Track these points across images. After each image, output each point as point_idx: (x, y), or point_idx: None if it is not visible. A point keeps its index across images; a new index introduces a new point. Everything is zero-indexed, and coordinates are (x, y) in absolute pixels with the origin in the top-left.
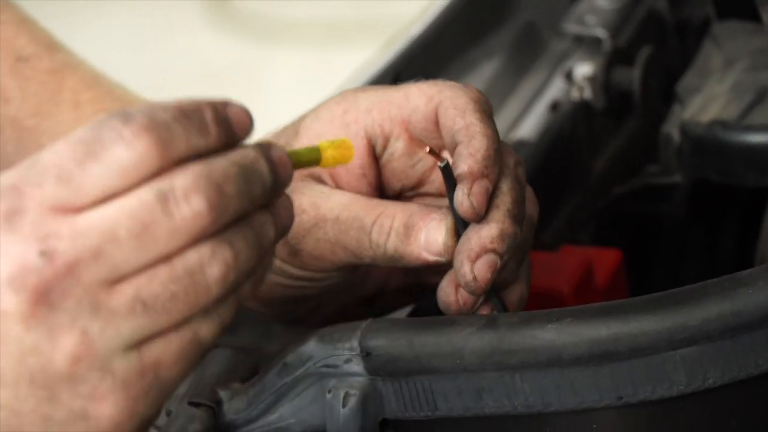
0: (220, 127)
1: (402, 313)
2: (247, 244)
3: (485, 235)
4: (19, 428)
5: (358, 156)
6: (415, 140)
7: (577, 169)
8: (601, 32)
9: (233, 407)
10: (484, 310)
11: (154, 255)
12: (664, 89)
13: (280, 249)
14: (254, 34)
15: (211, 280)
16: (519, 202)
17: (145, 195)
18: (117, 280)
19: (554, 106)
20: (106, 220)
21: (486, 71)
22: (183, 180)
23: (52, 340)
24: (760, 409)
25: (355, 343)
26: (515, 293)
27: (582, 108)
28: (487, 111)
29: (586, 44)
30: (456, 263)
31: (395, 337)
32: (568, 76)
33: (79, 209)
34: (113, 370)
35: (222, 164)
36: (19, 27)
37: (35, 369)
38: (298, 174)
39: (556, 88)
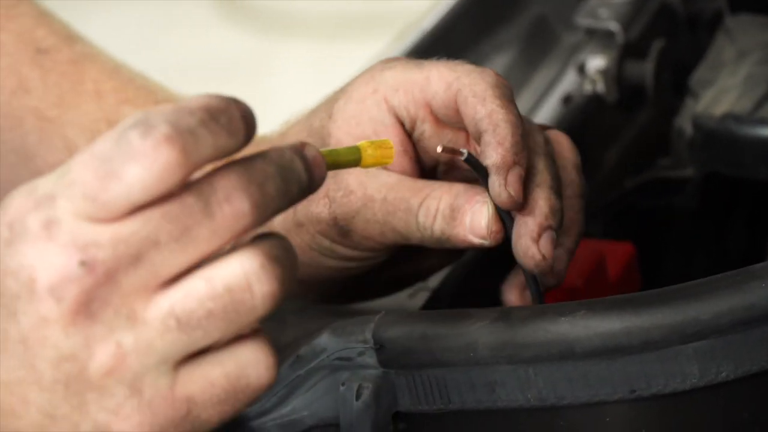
0: (245, 126)
1: (415, 306)
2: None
3: (540, 213)
4: None
5: (396, 134)
6: (440, 122)
7: (588, 161)
8: (613, 25)
9: None
10: None
11: (195, 257)
12: (676, 82)
13: (331, 230)
14: (264, 27)
15: (258, 299)
16: (556, 178)
17: (186, 198)
18: (157, 287)
19: (566, 99)
20: (147, 226)
21: (498, 64)
22: (224, 180)
23: (89, 349)
24: None
25: (368, 336)
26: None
27: (594, 101)
28: (507, 95)
29: (599, 37)
30: (521, 247)
31: (409, 330)
32: (581, 70)
33: (114, 220)
34: (142, 389)
35: (261, 163)
36: (38, 19)
37: (71, 375)
38: None
39: (568, 81)
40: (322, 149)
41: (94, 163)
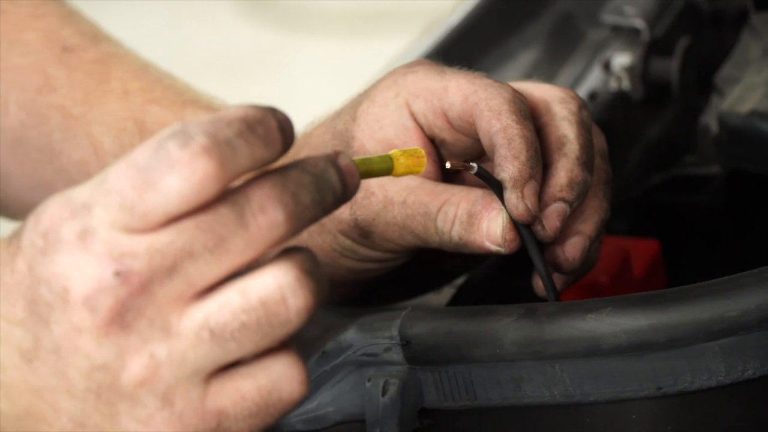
0: (282, 136)
1: (441, 302)
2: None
3: (554, 184)
4: None
5: (417, 137)
6: (457, 131)
7: (614, 158)
8: (639, 23)
9: None
10: None
11: (230, 268)
12: (701, 80)
13: (352, 231)
14: (283, 23)
15: (293, 312)
16: (587, 148)
17: (221, 209)
18: (191, 298)
19: (592, 96)
20: (182, 237)
21: (524, 61)
22: (259, 191)
23: (121, 359)
24: None
25: (394, 332)
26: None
27: (620, 98)
28: (522, 111)
29: (624, 34)
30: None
31: (435, 326)
32: (606, 67)
33: (149, 230)
34: (173, 401)
35: (295, 173)
36: (64, 18)
37: (103, 385)
38: (368, 154)
39: (593, 78)
40: (356, 158)
41: (131, 172)
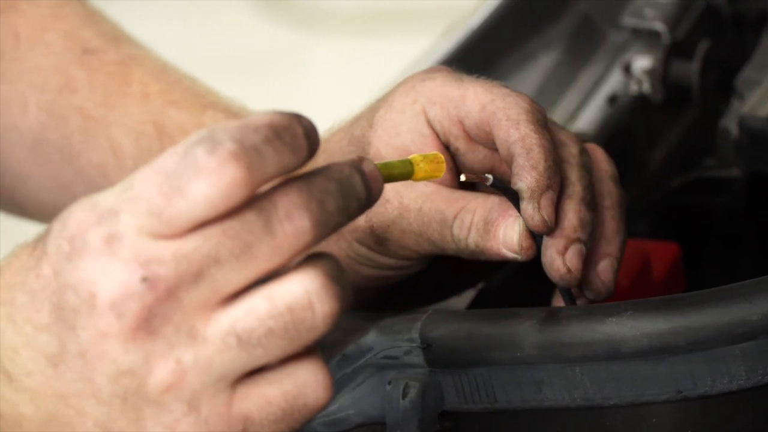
0: (308, 142)
1: (462, 305)
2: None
3: (568, 226)
4: None
5: (433, 144)
6: (473, 140)
7: (634, 161)
8: (659, 25)
9: None
10: None
11: (256, 274)
12: (721, 83)
13: (368, 238)
14: (300, 22)
15: (319, 318)
16: (589, 189)
17: (247, 215)
18: (217, 303)
19: (612, 99)
20: (208, 243)
21: (544, 63)
22: (285, 197)
23: (148, 365)
24: None
25: (415, 335)
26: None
27: (640, 101)
28: (540, 121)
29: (645, 37)
30: (546, 260)
31: (455, 329)
32: (627, 69)
33: (176, 236)
34: (199, 407)
35: (321, 180)
36: (85, 19)
37: (129, 390)
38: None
39: (614, 81)
40: (377, 162)
41: (159, 178)
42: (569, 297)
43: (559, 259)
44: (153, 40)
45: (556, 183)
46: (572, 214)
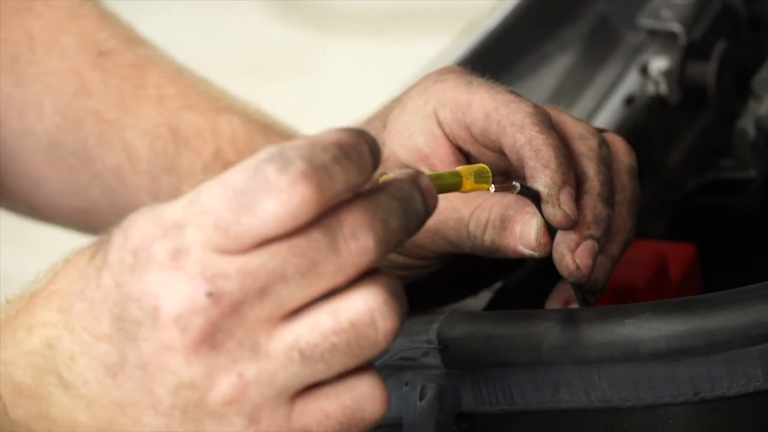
0: (373, 160)
1: (479, 306)
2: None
3: (581, 222)
4: None
5: (445, 145)
6: (480, 145)
7: (651, 162)
8: (676, 27)
9: None
10: None
11: (319, 291)
12: (738, 84)
13: None
14: (315, 22)
15: (381, 334)
16: (607, 184)
17: (313, 234)
18: (280, 319)
19: (629, 100)
20: (274, 260)
21: (561, 64)
22: (350, 216)
23: (210, 378)
24: None
25: (432, 336)
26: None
27: (657, 102)
28: (545, 122)
29: (661, 38)
30: (556, 256)
31: (473, 330)
32: (643, 70)
33: (242, 252)
34: (260, 420)
35: (384, 198)
36: (100, 21)
37: (190, 402)
38: (398, 162)
39: (630, 82)
40: (429, 173)
41: (228, 194)
42: (581, 293)
43: (569, 256)
44: (166, 41)
45: (571, 178)
46: (587, 210)
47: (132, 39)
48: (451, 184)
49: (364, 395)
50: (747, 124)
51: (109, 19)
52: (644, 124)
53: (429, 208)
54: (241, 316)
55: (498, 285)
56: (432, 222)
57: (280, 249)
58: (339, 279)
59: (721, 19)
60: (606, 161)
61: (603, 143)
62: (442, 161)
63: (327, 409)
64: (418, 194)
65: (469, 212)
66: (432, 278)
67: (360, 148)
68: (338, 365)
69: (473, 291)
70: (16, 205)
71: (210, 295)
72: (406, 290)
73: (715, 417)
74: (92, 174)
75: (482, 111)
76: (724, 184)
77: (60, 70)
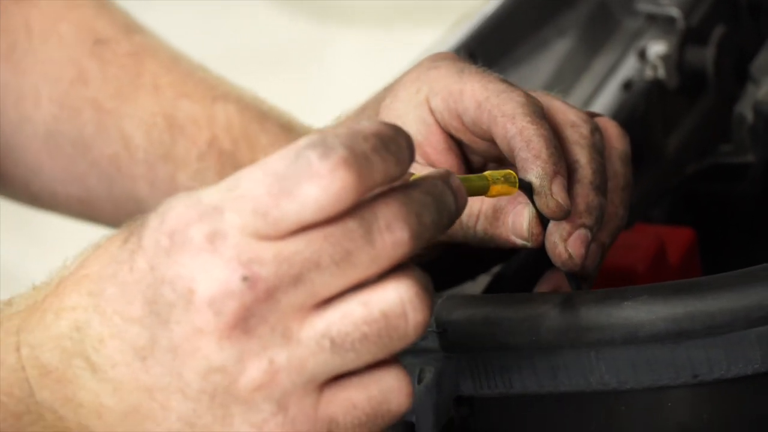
0: (410, 154)
1: (477, 290)
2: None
3: (573, 211)
4: None
5: (437, 133)
6: (472, 134)
7: (649, 147)
8: (674, 11)
9: None
10: None
11: (353, 281)
12: (737, 69)
13: None
14: (319, 14)
15: (411, 326)
16: (599, 172)
17: (349, 223)
18: (313, 307)
19: (627, 85)
20: (310, 247)
21: (559, 49)
22: (386, 209)
23: (241, 363)
24: None
25: (431, 320)
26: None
27: (655, 87)
28: (537, 112)
29: (660, 23)
30: (549, 245)
31: (471, 314)
32: (642, 55)
33: (278, 238)
34: (288, 407)
35: (419, 193)
36: (98, 10)
37: (219, 387)
38: None
39: (629, 67)
40: (458, 176)
41: (268, 179)
42: (574, 282)
43: (561, 245)
44: (172, 35)
45: (563, 168)
46: (579, 199)
47: (129, 27)
48: (478, 187)
49: (391, 387)
50: (745, 109)
51: (106, 7)
52: (642, 109)
53: (459, 207)
54: (275, 302)
55: (496, 269)
56: None
57: (316, 237)
58: (372, 270)
59: (719, 4)
60: (598, 148)
61: (595, 130)
62: (434, 149)
63: (354, 399)
64: (449, 192)
65: None
66: (426, 266)
67: (398, 140)
68: (368, 355)
69: (468, 277)
70: (14, 192)
71: (245, 279)
72: None
73: (713, 399)
74: (89, 163)
75: (474, 100)
76: (722, 169)
77: (57, 59)
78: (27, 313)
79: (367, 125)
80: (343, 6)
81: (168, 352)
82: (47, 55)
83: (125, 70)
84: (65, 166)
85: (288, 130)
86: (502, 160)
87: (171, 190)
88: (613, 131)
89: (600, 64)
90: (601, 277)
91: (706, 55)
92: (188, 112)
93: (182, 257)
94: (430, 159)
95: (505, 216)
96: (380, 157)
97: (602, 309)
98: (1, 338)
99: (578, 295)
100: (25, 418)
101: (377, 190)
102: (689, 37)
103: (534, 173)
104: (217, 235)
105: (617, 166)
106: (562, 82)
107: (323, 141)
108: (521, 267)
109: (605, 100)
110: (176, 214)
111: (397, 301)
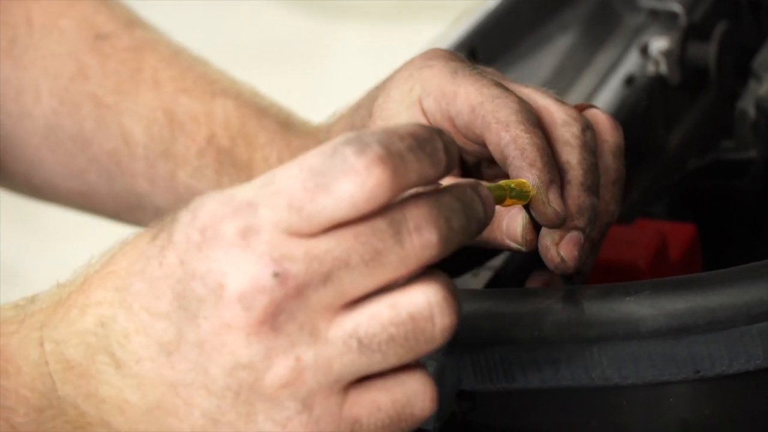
0: (447, 158)
1: (479, 285)
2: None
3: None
4: None
5: None
6: (463, 136)
7: (651, 143)
8: (676, 7)
9: None
10: None
11: (381, 281)
12: (739, 65)
13: None
14: (321, 8)
15: (438, 330)
16: (591, 171)
17: (379, 223)
18: (341, 307)
19: (629, 81)
20: (340, 246)
21: (561, 45)
22: (416, 210)
23: (268, 360)
24: None
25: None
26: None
27: (657, 83)
28: (530, 119)
29: (662, 19)
30: (541, 249)
31: (473, 308)
32: (644, 51)
33: (310, 235)
34: (313, 406)
35: (448, 198)
36: (99, 4)
37: (244, 384)
38: None
39: (631, 63)
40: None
41: (304, 175)
42: (567, 280)
43: (554, 249)
44: (174, 31)
45: (556, 176)
46: (570, 201)
47: (130, 21)
48: (495, 197)
49: (416, 391)
50: (747, 105)
51: (107, 2)
52: (644, 104)
53: (488, 216)
54: (305, 299)
55: (498, 263)
56: None
57: (346, 235)
58: (401, 271)
59: (721, 1)
60: (590, 147)
61: (587, 128)
62: None
63: (378, 401)
64: (479, 200)
65: None
66: None
67: (434, 143)
68: (394, 357)
69: (462, 272)
70: (16, 185)
71: (276, 275)
72: None
73: (715, 395)
74: (89, 158)
75: (467, 104)
76: (724, 165)
77: (58, 54)
78: (51, 309)
79: (403, 125)
80: (344, 2)
81: (194, 348)
82: (48, 50)
83: (126, 64)
84: (65, 161)
85: (286, 127)
86: (494, 160)
87: (171, 187)
88: (605, 124)
89: (602, 60)
90: (602, 273)
91: (708, 51)
92: (187, 108)
93: (214, 252)
94: None
95: (499, 220)
96: (415, 157)
97: (604, 304)
98: (25, 333)
99: (580, 290)
100: (48, 412)
101: (409, 192)
102: (691, 33)
103: (530, 181)
104: (250, 230)
105: (609, 161)
106: (564, 78)
107: (359, 138)
108: (523, 263)
109: (607, 96)
110: (208, 210)
111: (425, 304)
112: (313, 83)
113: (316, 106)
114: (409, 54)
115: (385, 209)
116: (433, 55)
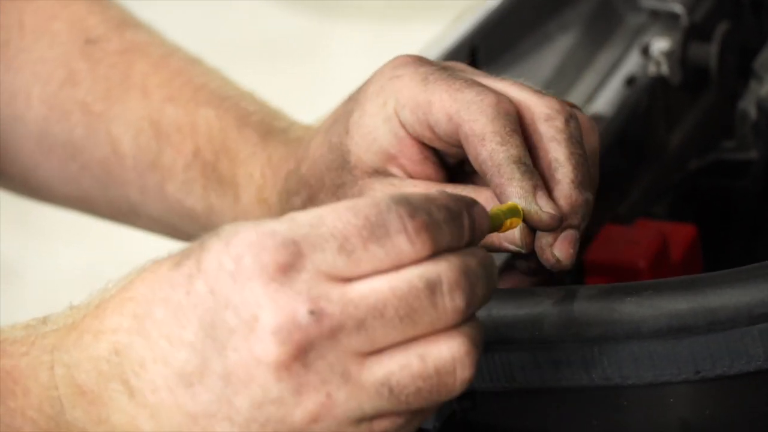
0: (472, 234)
1: None
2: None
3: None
4: None
5: (410, 145)
6: (445, 143)
7: (652, 143)
8: (678, 7)
9: None
10: None
11: (409, 337)
12: (740, 65)
13: None
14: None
15: (458, 383)
16: (580, 166)
17: (415, 281)
18: (369, 354)
19: (630, 81)
20: (377, 296)
21: (562, 44)
22: (449, 274)
23: (298, 396)
24: None
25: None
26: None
27: (658, 83)
28: (507, 125)
29: (663, 19)
30: (537, 249)
31: None
32: (645, 51)
33: (350, 280)
34: None
35: (475, 265)
36: (91, 6)
37: (272, 418)
38: (367, 168)
39: (632, 63)
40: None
41: (360, 222)
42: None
43: (549, 250)
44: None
45: (538, 179)
46: (562, 201)
47: (123, 21)
48: (494, 226)
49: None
50: (748, 106)
51: (100, 2)
52: (645, 104)
53: (496, 285)
54: (337, 341)
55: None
56: None
57: (382, 286)
58: (429, 330)
59: (723, 1)
60: (576, 139)
61: (570, 118)
62: (410, 161)
63: None
64: (495, 266)
65: None
66: None
67: (462, 219)
68: (416, 405)
69: None
70: (15, 187)
71: (312, 313)
72: None
73: (715, 396)
74: (81, 165)
75: (444, 113)
76: (725, 165)
77: (48, 58)
78: (63, 332)
79: (438, 196)
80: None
81: (220, 379)
82: (39, 54)
83: (115, 69)
84: (59, 166)
85: (266, 139)
86: None
87: (161, 198)
88: (585, 126)
89: (603, 60)
90: (603, 273)
91: (709, 52)
92: (173, 118)
93: (250, 283)
94: (408, 171)
95: None
96: (448, 227)
97: (605, 304)
98: (35, 355)
99: (581, 290)
100: None
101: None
102: (692, 34)
103: (515, 195)
104: (293, 267)
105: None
106: (564, 78)
107: (409, 201)
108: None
109: (608, 96)
110: (244, 239)
111: (449, 358)
112: (311, 82)
113: (314, 106)
114: (405, 52)
115: (418, 265)
116: (399, 63)
